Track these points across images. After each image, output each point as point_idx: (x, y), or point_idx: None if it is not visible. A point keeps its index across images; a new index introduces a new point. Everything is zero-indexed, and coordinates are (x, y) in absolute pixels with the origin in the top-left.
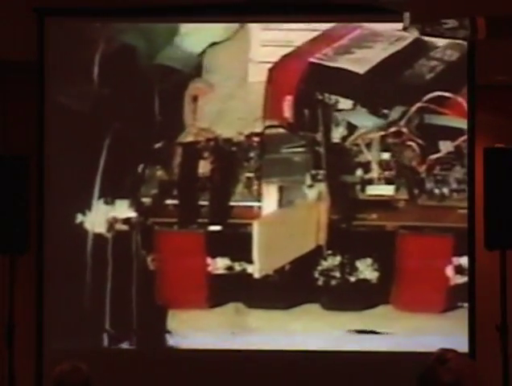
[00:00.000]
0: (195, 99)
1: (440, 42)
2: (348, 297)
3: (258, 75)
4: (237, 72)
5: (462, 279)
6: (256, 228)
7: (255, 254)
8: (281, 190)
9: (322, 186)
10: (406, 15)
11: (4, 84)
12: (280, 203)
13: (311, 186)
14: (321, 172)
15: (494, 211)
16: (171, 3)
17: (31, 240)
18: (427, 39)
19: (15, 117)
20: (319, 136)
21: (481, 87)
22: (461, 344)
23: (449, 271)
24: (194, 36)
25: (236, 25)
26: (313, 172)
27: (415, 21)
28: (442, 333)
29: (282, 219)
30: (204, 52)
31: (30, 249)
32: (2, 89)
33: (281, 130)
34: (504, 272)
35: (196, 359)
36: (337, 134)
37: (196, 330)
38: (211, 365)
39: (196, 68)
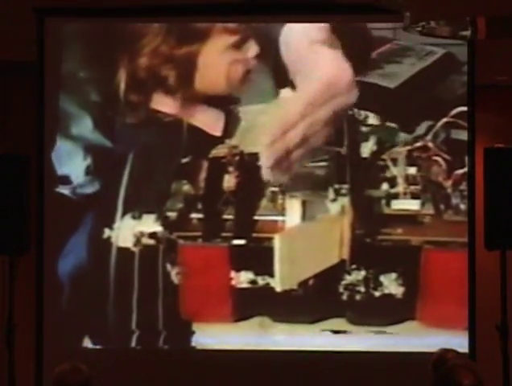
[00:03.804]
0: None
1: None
2: (374, 312)
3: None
4: (268, 88)
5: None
6: (277, 242)
7: (276, 267)
8: (304, 204)
9: (345, 201)
10: (407, 15)
11: (4, 84)
12: (303, 218)
13: (334, 200)
14: (345, 186)
15: (494, 212)
16: (170, 3)
17: (31, 240)
18: (457, 53)
19: (15, 117)
20: (343, 150)
21: (481, 87)
22: (461, 344)
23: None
24: None
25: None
26: (336, 186)
27: (415, 21)
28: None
29: (303, 233)
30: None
31: (30, 249)
32: (2, 89)
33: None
34: (504, 272)
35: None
36: (366, 149)
37: (220, 344)
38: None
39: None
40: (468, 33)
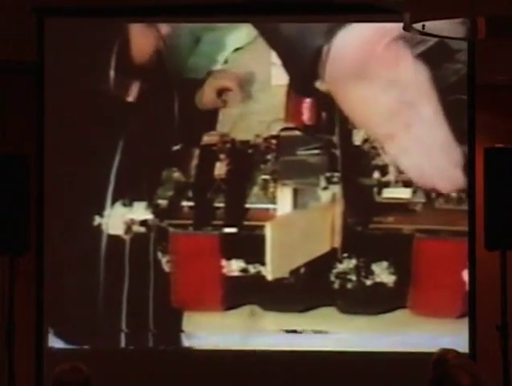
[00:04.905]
0: (219, 93)
1: (463, 44)
2: (365, 300)
3: (280, 79)
4: (259, 76)
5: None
6: (268, 230)
7: (268, 256)
8: (295, 192)
9: (336, 189)
10: (406, 15)
11: (4, 84)
12: (295, 206)
13: (325, 188)
14: (336, 174)
15: (494, 212)
16: (170, 3)
17: (32, 241)
18: (449, 41)
19: (15, 117)
20: (335, 138)
21: (481, 87)
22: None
23: (466, 275)
24: (218, 44)
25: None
26: (328, 174)
27: (415, 21)
28: (458, 337)
29: (294, 221)
30: (227, 60)
31: (30, 250)
32: (2, 89)
33: (297, 132)
34: (504, 272)
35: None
36: (358, 137)
37: (210, 332)
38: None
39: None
40: (468, 33)
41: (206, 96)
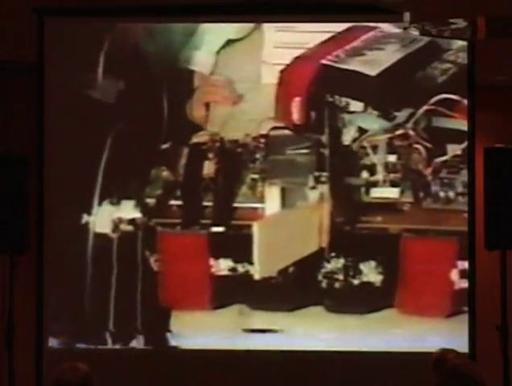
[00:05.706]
0: (207, 104)
1: (454, 44)
2: (353, 300)
3: (270, 77)
4: (250, 74)
5: (467, 283)
6: (256, 230)
7: (255, 255)
8: (284, 191)
9: (324, 188)
10: (406, 15)
11: (4, 84)
12: (283, 205)
13: (313, 187)
14: (324, 174)
15: (494, 211)
16: (170, 3)
17: (31, 240)
18: (440, 41)
19: (15, 117)
20: (324, 138)
21: (481, 87)
22: (462, 344)
23: (454, 275)
24: (210, 37)
25: (250, 25)
26: (316, 174)
27: (415, 21)
28: (446, 337)
29: (282, 220)
30: (219, 53)
31: (30, 249)
32: (2, 89)
33: (286, 132)
34: (504, 272)
35: (199, 359)
36: (348, 137)
37: (199, 331)
38: (213, 365)
39: (210, 69)
40: (468, 33)
41: (195, 110)
